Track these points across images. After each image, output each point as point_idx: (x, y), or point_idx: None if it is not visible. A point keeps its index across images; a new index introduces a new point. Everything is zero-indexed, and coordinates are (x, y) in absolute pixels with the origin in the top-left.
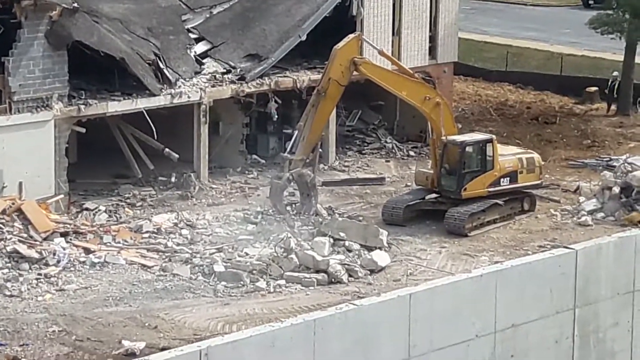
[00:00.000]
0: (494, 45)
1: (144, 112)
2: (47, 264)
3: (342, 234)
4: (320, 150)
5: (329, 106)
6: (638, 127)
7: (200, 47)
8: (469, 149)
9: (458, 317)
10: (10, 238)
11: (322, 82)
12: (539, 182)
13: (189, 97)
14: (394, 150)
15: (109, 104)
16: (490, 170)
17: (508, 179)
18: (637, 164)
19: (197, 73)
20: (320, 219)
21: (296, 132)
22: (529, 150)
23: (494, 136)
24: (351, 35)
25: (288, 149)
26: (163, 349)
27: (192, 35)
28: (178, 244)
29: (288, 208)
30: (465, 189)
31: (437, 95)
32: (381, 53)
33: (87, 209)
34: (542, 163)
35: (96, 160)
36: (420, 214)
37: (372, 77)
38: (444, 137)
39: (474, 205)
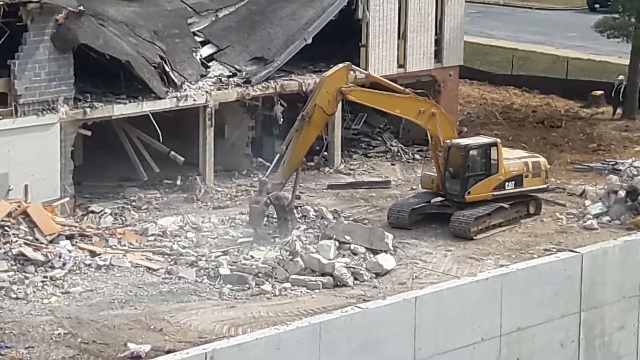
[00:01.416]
0: (499, 49)
1: (150, 115)
2: (52, 267)
3: (347, 237)
4: (325, 153)
5: (313, 133)
6: None
7: (206, 50)
8: (472, 152)
9: (464, 321)
10: (16, 241)
11: (308, 107)
12: (544, 185)
13: (194, 100)
14: (399, 154)
15: (115, 107)
16: (494, 174)
17: (513, 182)
18: None
19: (202, 76)
20: (326, 222)
21: (277, 156)
22: (535, 154)
23: (498, 140)
24: (340, 65)
25: (267, 173)
26: (168, 352)
27: (198, 39)
28: (183, 247)
29: (269, 231)
30: (469, 193)
31: (432, 106)
32: (368, 76)
33: (92, 212)
34: (548, 167)
35: (102, 163)
36: (426, 217)
37: (362, 102)
38: (448, 141)
39: (479, 208)
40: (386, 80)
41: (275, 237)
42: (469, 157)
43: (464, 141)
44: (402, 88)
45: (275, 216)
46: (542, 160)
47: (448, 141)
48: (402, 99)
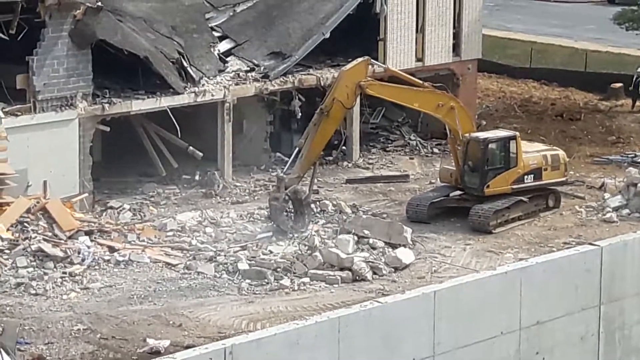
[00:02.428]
0: (518, 42)
1: (168, 110)
2: (71, 263)
3: (366, 232)
4: (343, 147)
5: (331, 127)
6: None
7: (224, 45)
8: (491, 146)
9: (483, 314)
10: (35, 237)
11: (326, 101)
12: (563, 179)
13: (212, 95)
14: (417, 148)
15: (133, 102)
16: (513, 168)
17: (532, 176)
18: None
19: (220, 71)
20: (345, 217)
21: (295, 150)
22: (554, 147)
23: (517, 133)
24: (359, 59)
25: (285, 168)
26: (187, 347)
27: (216, 34)
28: (202, 242)
29: (290, 224)
30: (488, 186)
31: (450, 99)
32: (387, 70)
33: (111, 208)
34: (567, 160)
35: (120, 158)
36: (445, 211)
37: (381, 96)
38: (466, 134)
39: (498, 202)
40: (404, 74)
41: (292, 231)
42: (488, 151)
43: (482, 135)
44: (420, 82)
45: (292, 210)
46: (561, 153)
47: (467, 135)
48: (421, 93)
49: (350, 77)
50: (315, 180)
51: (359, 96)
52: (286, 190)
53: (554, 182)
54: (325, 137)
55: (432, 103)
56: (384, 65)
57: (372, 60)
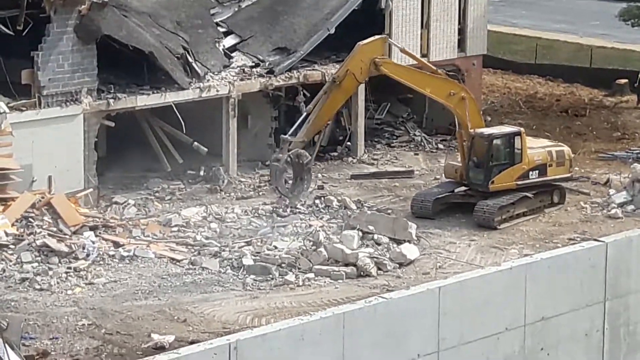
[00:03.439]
0: (523, 38)
1: (173, 106)
2: (76, 258)
3: (371, 227)
4: (348, 143)
5: (341, 97)
6: None
7: (229, 41)
8: (496, 141)
9: (488, 310)
10: (40, 232)
11: (340, 71)
12: (569, 175)
13: (217, 90)
14: (422, 143)
15: (138, 98)
16: (518, 163)
17: (537, 171)
18: None
19: (225, 67)
20: (349, 212)
21: (302, 116)
22: (559, 143)
23: (522, 129)
24: (377, 36)
25: (290, 131)
26: (192, 343)
27: (221, 29)
28: (207, 238)
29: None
30: (492, 182)
31: (462, 90)
32: (403, 51)
33: (116, 203)
34: (572, 156)
35: (125, 154)
36: (450, 206)
37: (394, 76)
38: (471, 130)
39: (503, 198)
40: (419, 58)
41: (290, 196)
42: (493, 146)
43: (487, 130)
44: (434, 68)
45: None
46: (566, 149)
47: (472, 130)
48: (434, 79)
49: (367, 52)
50: (319, 147)
51: (372, 72)
52: (289, 152)
53: (559, 178)
54: (334, 107)
55: (444, 90)
56: (399, 45)
57: (390, 39)
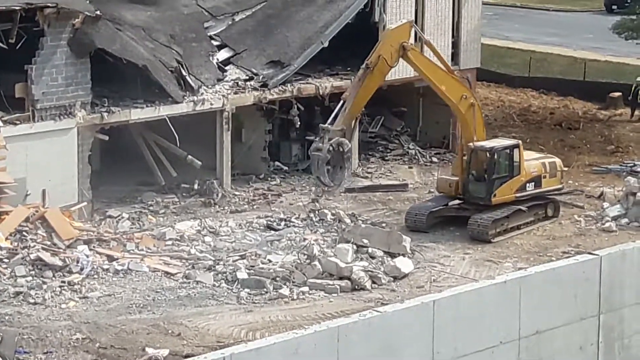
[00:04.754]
0: (516, 51)
1: (167, 119)
2: (70, 272)
3: (365, 241)
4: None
5: (375, 82)
6: None
7: (223, 54)
8: (498, 154)
9: (482, 324)
10: (34, 246)
11: (372, 58)
12: (560, 186)
13: (211, 104)
14: (416, 157)
15: (132, 111)
16: (517, 176)
17: (533, 183)
18: None
19: (219, 80)
20: (344, 226)
21: (339, 104)
22: (549, 155)
23: (520, 141)
24: (404, 21)
25: (329, 121)
26: (187, 357)
27: (215, 43)
28: (201, 251)
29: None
30: (494, 195)
31: (473, 96)
32: (427, 43)
33: (110, 217)
34: (563, 167)
35: (119, 167)
36: (444, 220)
37: (417, 65)
38: (470, 144)
39: (497, 211)
40: (441, 55)
41: (331, 183)
42: (495, 160)
43: (488, 143)
44: (452, 69)
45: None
46: (557, 160)
47: (471, 144)
48: (451, 78)
49: (395, 36)
50: (354, 135)
51: (400, 56)
52: (330, 141)
53: (552, 189)
54: (369, 93)
55: (458, 92)
56: (425, 37)
57: (414, 25)
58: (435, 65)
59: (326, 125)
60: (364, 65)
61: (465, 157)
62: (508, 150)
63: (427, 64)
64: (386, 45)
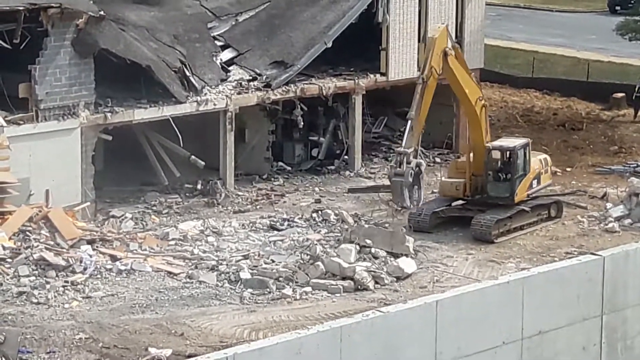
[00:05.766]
0: (520, 52)
1: (170, 119)
2: (73, 272)
3: (368, 241)
4: (346, 157)
5: (431, 92)
6: None
7: (226, 55)
8: (517, 154)
9: (485, 324)
10: (37, 245)
11: (426, 70)
12: (551, 181)
13: (214, 104)
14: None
15: (135, 111)
16: (528, 174)
17: (536, 180)
18: None
19: (223, 80)
20: (347, 226)
21: (408, 124)
22: (538, 152)
23: (530, 140)
24: (440, 24)
25: (403, 143)
26: (189, 356)
27: (218, 43)
28: (204, 251)
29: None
30: (516, 194)
31: (484, 98)
32: (453, 47)
33: (113, 217)
34: (551, 163)
35: (122, 167)
36: (447, 220)
37: (452, 69)
38: (488, 144)
39: (500, 211)
40: (463, 58)
41: (414, 205)
42: (517, 159)
43: (506, 143)
44: (470, 71)
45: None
46: (547, 157)
47: (488, 144)
48: (472, 82)
49: (439, 44)
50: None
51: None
52: (409, 165)
53: (546, 185)
54: (427, 105)
55: (476, 94)
56: (454, 40)
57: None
58: (466, 70)
59: (402, 149)
60: (419, 80)
61: (472, 158)
62: (523, 149)
63: (461, 70)
64: (435, 54)
